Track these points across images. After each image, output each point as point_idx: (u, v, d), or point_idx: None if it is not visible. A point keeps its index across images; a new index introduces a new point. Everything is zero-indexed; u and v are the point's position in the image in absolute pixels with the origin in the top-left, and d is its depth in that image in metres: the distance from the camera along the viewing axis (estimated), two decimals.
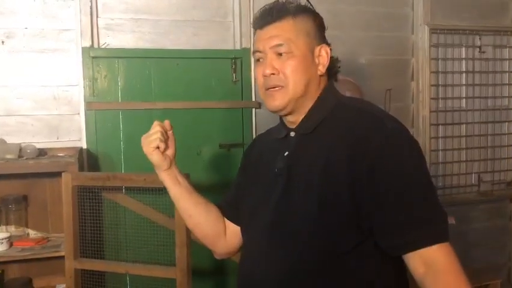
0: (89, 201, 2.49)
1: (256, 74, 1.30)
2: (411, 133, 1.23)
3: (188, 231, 2.18)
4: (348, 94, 2.33)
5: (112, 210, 2.70)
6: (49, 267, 2.61)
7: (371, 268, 1.17)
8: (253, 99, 3.08)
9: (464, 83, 3.60)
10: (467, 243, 3.54)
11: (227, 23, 3.09)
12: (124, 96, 2.90)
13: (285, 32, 1.23)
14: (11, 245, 2.49)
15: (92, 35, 2.82)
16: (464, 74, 3.59)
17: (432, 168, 3.45)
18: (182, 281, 2.26)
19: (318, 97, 1.28)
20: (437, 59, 3.50)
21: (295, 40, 1.23)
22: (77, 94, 2.83)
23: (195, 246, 2.22)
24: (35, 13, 2.76)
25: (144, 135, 1.34)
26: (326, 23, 1.32)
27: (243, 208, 1.40)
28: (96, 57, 2.84)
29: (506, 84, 3.71)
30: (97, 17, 2.85)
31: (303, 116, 1.28)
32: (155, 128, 1.33)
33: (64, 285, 2.44)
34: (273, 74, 1.24)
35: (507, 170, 3.74)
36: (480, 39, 3.59)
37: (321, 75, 1.29)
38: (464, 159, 3.62)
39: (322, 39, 1.29)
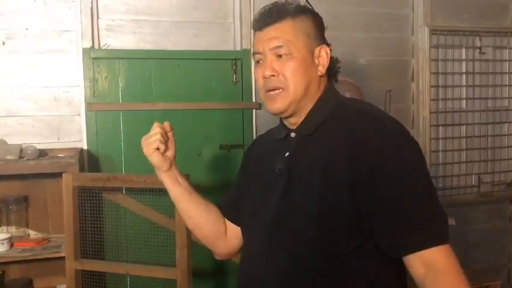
0: (89, 202, 2.49)
1: (256, 76, 1.30)
2: (412, 134, 1.23)
3: (188, 232, 2.18)
4: (348, 95, 2.33)
5: (113, 211, 2.71)
6: (50, 267, 2.61)
7: (371, 269, 1.18)
8: (254, 100, 3.08)
9: (464, 84, 3.60)
10: (467, 244, 3.54)
11: (227, 24, 3.09)
12: (124, 97, 2.91)
13: (285, 34, 1.23)
14: (11, 245, 2.49)
15: (93, 36, 2.82)
16: (464, 75, 3.59)
17: (433, 169, 3.45)
18: (183, 281, 2.26)
19: (319, 98, 1.28)
20: (437, 60, 3.50)
21: (294, 41, 1.23)
22: (78, 95, 2.84)
23: (196, 247, 2.22)
24: (36, 14, 2.77)
25: (144, 137, 1.35)
26: (326, 23, 1.32)
27: (243, 208, 1.40)
28: (97, 58, 2.84)
29: (506, 85, 3.71)
30: (98, 18, 2.85)
31: (303, 117, 1.28)
32: (155, 130, 1.33)
33: (65, 286, 2.45)
34: (273, 75, 1.24)
35: (507, 171, 3.74)
36: (480, 40, 3.59)
37: (321, 76, 1.29)
38: (464, 160, 3.63)
39: (322, 40, 1.29)
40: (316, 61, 1.27)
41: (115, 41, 2.90)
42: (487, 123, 3.67)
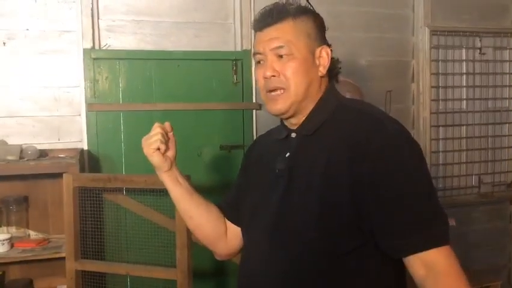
0: (90, 202, 2.49)
1: (257, 76, 1.29)
2: (412, 135, 1.23)
3: (189, 233, 2.18)
4: (348, 95, 2.33)
5: (113, 211, 2.71)
6: (50, 268, 2.61)
7: (371, 269, 1.18)
8: (254, 100, 3.08)
9: (464, 84, 3.60)
10: (468, 244, 3.54)
11: (228, 25, 3.09)
12: (125, 98, 2.91)
13: (285, 34, 1.23)
14: (11, 246, 2.49)
15: (94, 36, 2.83)
16: (464, 76, 3.60)
17: (433, 169, 3.45)
18: (183, 282, 2.26)
19: (320, 99, 1.28)
20: (437, 61, 3.51)
21: (295, 42, 1.23)
22: (78, 95, 2.84)
23: (196, 248, 2.22)
24: (37, 15, 2.77)
25: (145, 137, 1.34)
26: (326, 24, 1.32)
27: (244, 209, 1.40)
28: (97, 58, 2.84)
29: (506, 85, 3.71)
30: (98, 18, 2.85)
31: (304, 118, 1.28)
32: (156, 130, 1.33)
33: (65, 287, 2.45)
34: (274, 76, 1.24)
35: (507, 172, 3.74)
36: (480, 40, 3.59)
37: (322, 77, 1.28)
38: (465, 161, 3.63)
39: (323, 40, 1.29)
40: (317, 62, 1.27)
41: (116, 41, 2.90)
42: (487, 124, 3.67)
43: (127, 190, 2.72)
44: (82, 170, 2.63)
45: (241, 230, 1.42)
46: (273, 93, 1.25)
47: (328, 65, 1.28)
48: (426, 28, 3.41)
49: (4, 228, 2.64)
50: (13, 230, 2.64)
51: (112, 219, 2.70)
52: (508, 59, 3.70)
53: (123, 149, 2.90)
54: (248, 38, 3.04)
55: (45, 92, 2.80)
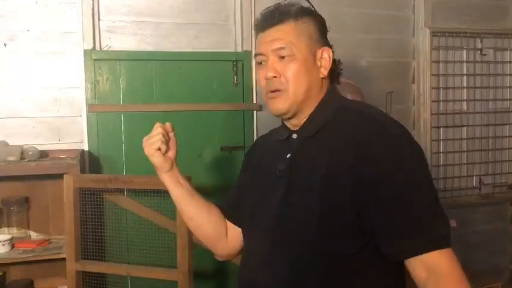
0: (90, 203, 2.49)
1: (258, 77, 1.29)
2: (413, 136, 1.22)
3: (189, 234, 2.18)
4: (349, 97, 2.33)
5: (114, 212, 2.70)
6: (51, 269, 2.62)
7: (371, 270, 1.17)
8: (255, 101, 3.08)
9: (465, 85, 3.60)
10: (468, 245, 3.54)
11: (228, 26, 3.10)
12: (125, 99, 2.91)
13: (287, 35, 1.23)
14: (12, 246, 2.50)
15: (94, 37, 2.83)
16: (465, 77, 3.60)
17: (434, 170, 3.45)
18: (184, 283, 2.26)
19: (321, 100, 1.28)
20: (438, 62, 3.51)
21: (297, 43, 1.23)
22: (79, 96, 2.84)
23: (196, 249, 2.22)
24: (37, 16, 2.77)
25: (146, 137, 1.34)
26: (327, 25, 1.32)
27: (244, 210, 1.40)
28: (98, 59, 2.85)
29: (507, 86, 3.72)
30: (99, 19, 2.86)
31: (305, 119, 1.28)
32: (157, 130, 1.33)
33: (66, 287, 2.44)
34: (275, 77, 1.24)
35: (508, 173, 3.74)
36: (481, 41, 3.59)
37: (323, 78, 1.28)
38: (465, 162, 3.63)
39: (324, 42, 1.29)
40: (319, 63, 1.27)
41: (116, 42, 2.90)
42: (488, 125, 3.67)
43: (128, 191, 2.72)
44: (83, 170, 2.63)
45: (242, 230, 1.42)
46: (273, 93, 1.25)
47: (329, 66, 1.28)
48: (427, 29, 3.41)
49: (5, 229, 2.64)
50: (14, 230, 2.64)
51: (113, 220, 2.70)
52: (508, 60, 3.70)
53: (124, 149, 2.90)
54: (248, 39, 3.04)
55: (46, 93, 2.80)
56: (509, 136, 3.75)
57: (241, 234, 1.42)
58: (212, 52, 3.04)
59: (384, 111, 1.45)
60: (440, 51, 3.51)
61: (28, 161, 2.56)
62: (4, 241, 2.45)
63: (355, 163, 1.13)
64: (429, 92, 3.44)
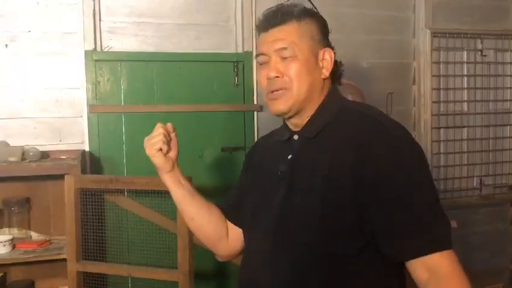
0: (91, 203, 2.49)
1: (260, 77, 1.29)
2: (413, 137, 1.23)
3: (190, 234, 2.18)
4: (350, 97, 2.33)
5: (114, 212, 2.71)
6: (51, 269, 2.62)
7: (372, 271, 1.17)
8: (255, 102, 3.09)
9: (465, 86, 3.60)
10: (469, 246, 3.54)
11: (229, 27, 3.10)
12: (126, 99, 2.91)
13: (290, 35, 1.24)
14: (13, 247, 2.50)
15: (95, 38, 2.83)
16: (465, 78, 3.60)
17: (434, 171, 3.45)
18: (185, 284, 2.26)
19: (323, 101, 1.28)
20: (438, 63, 3.51)
21: (299, 43, 1.23)
22: (80, 97, 2.85)
23: (197, 249, 2.22)
24: (38, 16, 2.77)
25: (147, 137, 1.34)
26: (329, 26, 1.32)
27: (245, 210, 1.40)
28: (99, 60, 2.85)
29: (507, 87, 3.72)
30: (100, 20, 2.86)
31: (307, 119, 1.28)
32: (158, 130, 1.33)
33: None
34: (277, 76, 1.24)
35: (509, 174, 3.74)
36: (482, 42, 3.60)
37: (324, 79, 1.29)
38: (466, 163, 3.63)
39: (326, 43, 1.29)
40: (321, 64, 1.27)
41: (117, 43, 2.90)
42: (489, 126, 3.67)
43: (129, 191, 2.72)
44: (84, 171, 2.63)
45: (243, 231, 1.42)
46: (275, 93, 1.25)
47: (331, 67, 1.28)
48: (428, 30, 3.41)
49: (6, 230, 2.64)
50: (15, 231, 2.64)
51: (114, 220, 2.70)
52: (509, 61, 3.70)
53: (125, 150, 2.90)
54: (249, 40, 3.04)
55: (47, 93, 2.80)
56: (509, 137, 3.74)
57: (242, 235, 1.42)
58: (213, 53, 3.05)
59: (385, 112, 1.45)
60: (441, 52, 3.51)
61: (29, 161, 2.57)
62: (5, 242, 2.45)
63: (356, 164, 1.14)
64: (429, 93, 3.44)
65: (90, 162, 2.82)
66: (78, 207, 2.38)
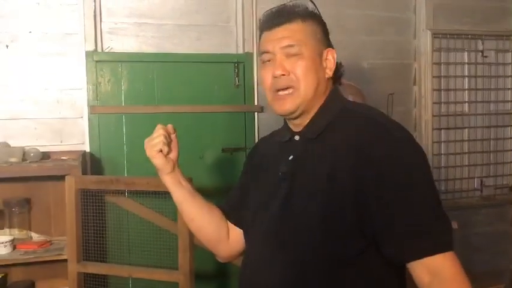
0: (92, 204, 2.49)
1: (264, 76, 1.28)
2: (414, 137, 1.22)
3: (191, 235, 2.18)
4: (350, 98, 2.32)
5: (115, 213, 2.71)
6: (52, 270, 2.62)
7: (373, 273, 1.17)
8: (256, 103, 3.09)
9: (466, 87, 3.60)
10: (470, 247, 3.53)
11: (230, 28, 3.10)
12: (127, 100, 2.92)
13: (296, 34, 1.24)
14: (14, 248, 2.50)
15: (96, 39, 2.84)
16: (466, 79, 3.59)
17: (435, 172, 3.44)
18: (185, 284, 2.26)
19: (324, 101, 1.28)
20: (439, 64, 3.51)
21: (305, 42, 1.24)
22: (81, 98, 2.85)
23: (198, 250, 2.22)
24: (39, 17, 2.78)
25: (147, 139, 1.34)
26: (329, 27, 1.33)
27: (246, 211, 1.40)
28: (99, 61, 2.85)
29: (508, 88, 3.71)
30: (101, 21, 2.86)
31: (308, 119, 1.28)
32: (159, 131, 1.33)
33: None
34: (284, 74, 1.23)
35: (510, 175, 3.74)
36: (482, 43, 3.59)
37: (328, 79, 1.29)
38: (467, 164, 3.62)
39: (328, 43, 1.30)
40: (324, 64, 1.27)
41: (118, 44, 2.90)
42: (490, 127, 3.67)
43: (129, 192, 2.72)
44: (84, 172, 2.63)
45: (243, 232, 1.42)
46: (281, 92, 1.25)
47: (334, 67, 1.29)
48: (428, 31, 3.41)
49: (6, 230, 2.64)
50: (15, 231, 2.64)
51: (114, 221, 2.70)
52: (510, 61, 3.70)
53: (125, 151, 2.90)
54: (250, 40, 3.04)
55: (47, 94, 2.80)
56: (510, 138, 3.74)
57: (243, 236, 1.42)
58: (213, 54, 3.05)
59: (386, 113, 1.45)
60: (442, 53, 3.51)
61: (30, 162, 2.57)
62: (5, 242, 2.45)
63: (357, 165, 1.13)
64: (430, 94, 3.44)
65: (91, 163, 2.82)
66: (79, 208, 2.39)
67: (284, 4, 1.28)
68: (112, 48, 2.89)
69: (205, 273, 2.89)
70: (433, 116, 3.47)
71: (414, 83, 3.49)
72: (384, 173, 1.12)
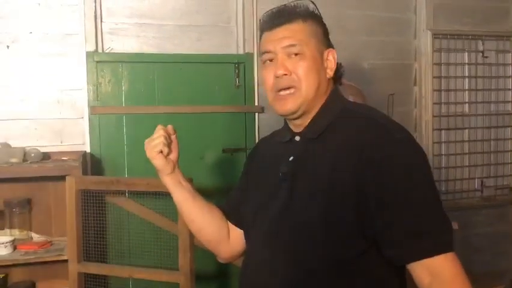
0: (92, 205, 2.49)
1: (265, 76, 1.28)
2: (414, 138, 1.22)
3: (191, 236, 2.18)
4: (351, 98, 2.32)
5: (115, 214, 2.71)
6: (52, 270, 2.62)
7: (374, 275, 1.17)
8: (256, 103, 3.09)
9: (466, 88, 3.60)
10: (470, 248, 3.53)
11: (230, 28, 3.10)
12: (127, 101, 2.92)
13: (297, 33, 1.24)
14: (14, 248, 2.50)
15: (97, 39, 2.84)
16: (466, 79, 3.60)
17: (435, 173, 3.44)
18: (186, 285, 2.26)
19: (325, 101, 1.28)
20: (439, 64, 3.51)
21: (307, 42, 1.24)
22: (81, 98, 2.85)
23: (198, 250, 2.22)
24: (40, 18, 2.78)
25: (147, 139, 1.34)
26: (329, 27, 1.33)
27: (246, 212, 1.40)
28: (100, 61, 2.85)
29: (509, 89, 3.71)
30: (101, 21, 2.86)
31: (309, 120, 1.28)
32: (159, 132, 1.33)
33: None
34: (285, 74, 1.23)
35: (510, 175, 3.74)
36: (483, 44, 3.59)
37: (328, 79, 1.29)
38: (467, 164, 3.63)
39: (328, 44, 1.30)
40: (325, 64, 1.28)
41: (119, 44, 2.91)
42: (490, 127, 3.67)
43: (130, 193, 2.72)
44: (85, 172, 2.63)
45: (244, 232, 1.42)
46: (282, 92, 1.25)
47: (335, 67, 1.29)
48: (429, 31, 3.41)
49: (7, 231, 2.64)
50: (16, 232, 2.64)
51: (115, 221, 2.70)
52: (510, 62, 3.70)
53: (126, 151, 2.90)
54: (250, 41, 3.05)
55: (48, 94, 2.80)
56: (511, 138, 3.74)
57: (243, 236, 1.42)
58: (214, 54, 3.05)
59: (386, 113, 1.45)
60: (442, 53, 3.51)
61: (30, 162, 2.57)
62: (6, 243, 2.46)
63: (357, 166, 1.13)
64: (431, 94, 3.44)
65: (91, 164, 2.82)
66: (79, 209, 2.39)
67: (285, 4, 1.28)
68: (112, 48, 2.89)
69: (206, 274, 2.89)
70: (433, 116, 3.47)
71: (415, 84, 3.49)
72: (385, 174, 1.11)
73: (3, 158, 2.53)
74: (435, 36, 3.44)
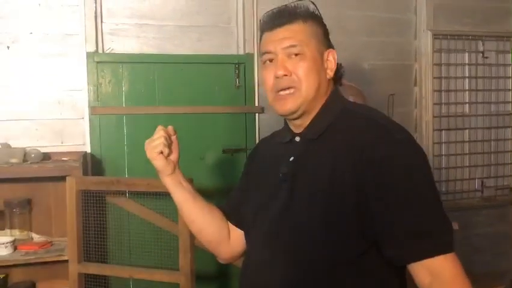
0: (93, 205, 2.49)
1: (265, 76, 1.28)
2: (415, 138, 1.22)
3: (192, 236, 2.18)
4: (351, 99, 2.32)
5: (116, 214, 2.71)
6: (53, 271, 2.62)
7: (374, 275, 1.17)
8: (257, 104, 3.09)
9: (467, 88, 3.60)
10: (470, 248, 3.53)
11: (231, 29, 3.10)
12: (128, 101, 2.92)
13: (298, 34, 1.24)
14: (14, 248, 2.50)
15: (97, 40, 2.84)
16: (467, 80, 3.60)
17: (435, 173, 3.44)
18: (186, 285, 2.26)
19: (325, 102, 1.28)
20: (440, 65, 3.51)
21: (307, 42, 1.24)
22: (82, 99, 2.85)
23: (199, 251, 2.22)
24: (40, 18, 2.78)
25: (148, 140, 1.34)
26: (329, 28, 1.33)
27: (246, 212, 1.40)
28: (100, 62, 2.85)
29: (509, 89, 3.71)
30: (102, 22, 2.86)
31: (309, 120, 1.28)
32: (159, 133, 1.32)
33: None
34: (286, 75, 1.23)
35: (510, 176, 3.74)
36: (483, 44, 3.60)
37: (329, 80, 1.29)
38: (467, 165, 3.63)
39: (329, 44, 1.30)
40: (325, 64, 1.28)
41: (119, 45, 2.91)
42: (490, 128, 3.67)
43: (130, 193, 2.72)
44: (85, 173, 2.63)
45: (244, 233, 1.42)
46: (282, 92, 1.25)
47: (335, 68, 1.29)
48: (429, 32, 3.41)
49: (7, 231, 2.64)
50: (16, 232, 2.64)
51: (115, 222, 2.70)
52: (510, 62, 3.70)
53: (126, 152, 2.90)
54: (250, 41, 3.05)
55: (48, 95, 2.80)
56: (511, 139, 3.74)
57: (244, 237, 1.42)
58: (214, 55, 3.05)
59: (386, 113, 1.45)
60: (442, 53, 3.52)
61: (31, 163, 2.57)
62: (6, 243, 2.45)
63: (357, 167, 1.13)
64: (431, 95, 3.44)
65: (91, 164, 2.82)
66: (79, 209, 2.39)
67: (285, 5, 1.29)
68: (112, 49, 2.89)
69: (206, 274, 2.89)
70: (434, 117, 3.47)
71: (415, 84, 3.49)
72: (385, 174, 1.11)
73: (3, 158, 2.53)
74: (436, 36, 3.44)
